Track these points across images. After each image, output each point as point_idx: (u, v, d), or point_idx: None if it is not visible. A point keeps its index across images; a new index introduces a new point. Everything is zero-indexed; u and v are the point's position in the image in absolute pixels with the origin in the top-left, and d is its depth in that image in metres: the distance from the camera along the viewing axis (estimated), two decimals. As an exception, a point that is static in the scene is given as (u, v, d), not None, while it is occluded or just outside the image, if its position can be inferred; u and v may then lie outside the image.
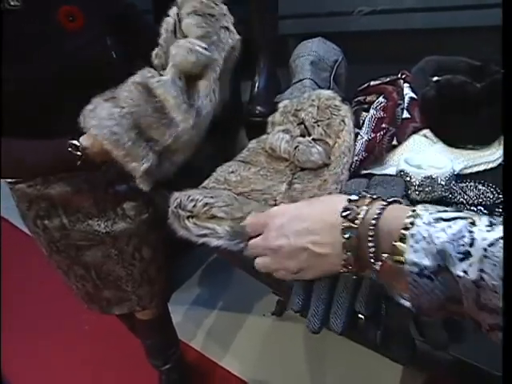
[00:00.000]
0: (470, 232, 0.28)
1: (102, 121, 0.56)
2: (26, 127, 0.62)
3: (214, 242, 0.52)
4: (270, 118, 0.74)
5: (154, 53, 0.65)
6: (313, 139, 0.64)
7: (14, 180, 0.76)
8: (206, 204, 0.53)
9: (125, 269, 0.90)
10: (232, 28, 0.64)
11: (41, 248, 0.88)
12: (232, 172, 0.63)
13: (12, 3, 0.59)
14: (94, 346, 1.48)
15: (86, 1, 0.67)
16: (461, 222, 0.28)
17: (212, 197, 0.54)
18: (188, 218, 0.55)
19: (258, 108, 0.87)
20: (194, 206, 0.53)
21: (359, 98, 0.74)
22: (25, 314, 1.66)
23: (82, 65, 0.67)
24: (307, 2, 1.22)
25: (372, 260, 0.34)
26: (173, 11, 0.65)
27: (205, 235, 0.53)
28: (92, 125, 0.56)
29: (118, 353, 1.42)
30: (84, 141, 0.60)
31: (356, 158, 0.62)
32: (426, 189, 0.52)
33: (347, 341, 0.54)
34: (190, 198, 0.54)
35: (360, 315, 0.38)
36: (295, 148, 0.62)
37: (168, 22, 0.65)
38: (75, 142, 0.60)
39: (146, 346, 1.17)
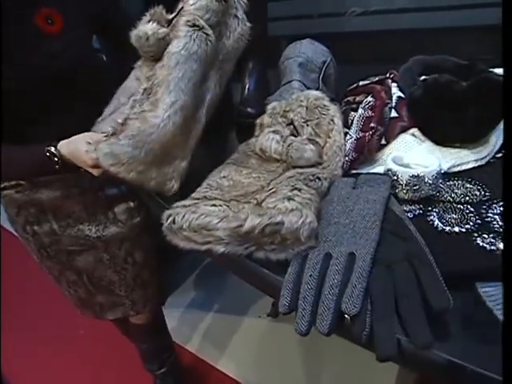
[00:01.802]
0: None
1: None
2: (13, 128, 0.61)
3: (221, 249, 0.49)
4: (258, 121, 0.74)
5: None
6: (306, 139, 0.64)
7: (1, 186, 0.75)
8: (200, 225, 0.50)
9: (117, 273, 0.89)
10: (243, 16, 0.64)
11: (31, 254, 0.87)
12: (224, 177, 0.62)
13: None
14: (94, 347, 1.47)
15: (66, 3, 0.66)
16: None
17: (206, 216, 0.51)
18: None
19: (249, 109, 0.86)
20: (189, 225, 0.51)
21: (348, 99, 0.75)
22: (25, 314, 1.65)
23: (66, 67, 0.66)
24: (299, 4, 1.22)
25: None
26: None
27: (209, 242, 0.50)
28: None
29: (118, 353, 1.41)
30: (62, 148, 0.61)
31: (346, 158, 0.63)
32: (414, 187, 0.52)
33: (343, 342, 0.54)
34: (185, 219, 0.51)
35: (346, 315, 0.38)
36: (289, 145, 0.62)
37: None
38: (52, 149, 0.61)
39: (141, 351, 1.16)
